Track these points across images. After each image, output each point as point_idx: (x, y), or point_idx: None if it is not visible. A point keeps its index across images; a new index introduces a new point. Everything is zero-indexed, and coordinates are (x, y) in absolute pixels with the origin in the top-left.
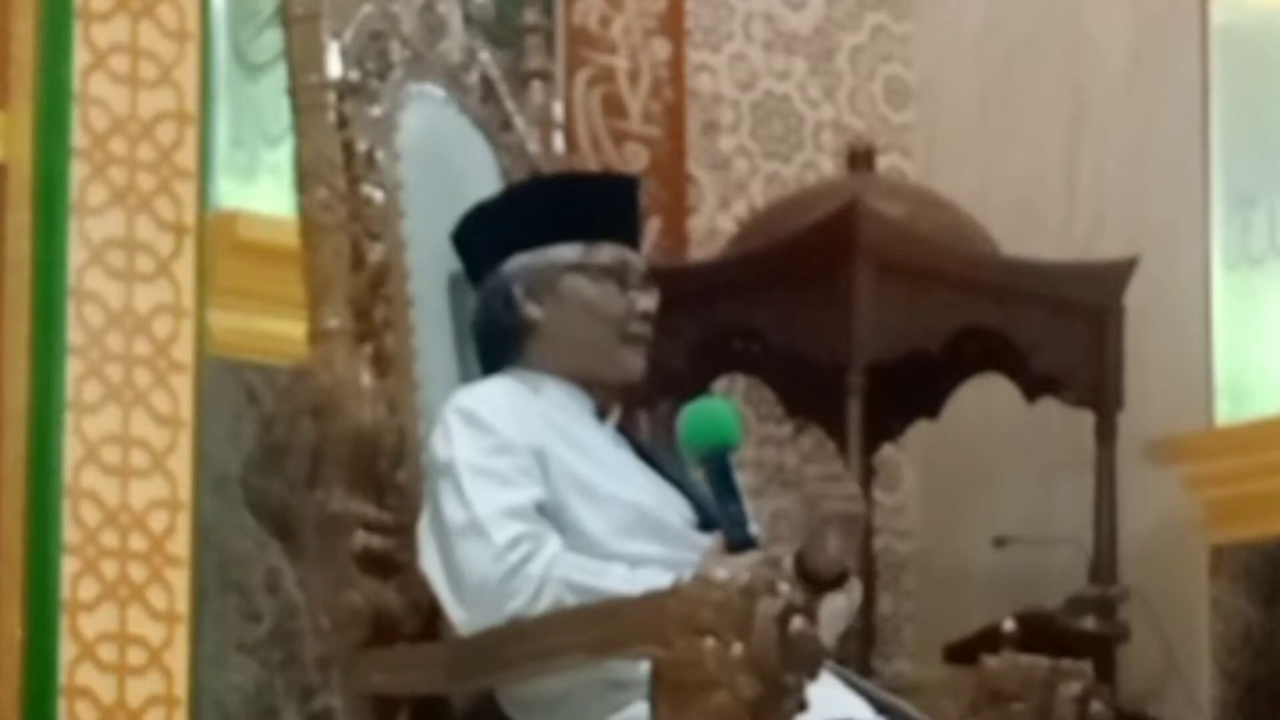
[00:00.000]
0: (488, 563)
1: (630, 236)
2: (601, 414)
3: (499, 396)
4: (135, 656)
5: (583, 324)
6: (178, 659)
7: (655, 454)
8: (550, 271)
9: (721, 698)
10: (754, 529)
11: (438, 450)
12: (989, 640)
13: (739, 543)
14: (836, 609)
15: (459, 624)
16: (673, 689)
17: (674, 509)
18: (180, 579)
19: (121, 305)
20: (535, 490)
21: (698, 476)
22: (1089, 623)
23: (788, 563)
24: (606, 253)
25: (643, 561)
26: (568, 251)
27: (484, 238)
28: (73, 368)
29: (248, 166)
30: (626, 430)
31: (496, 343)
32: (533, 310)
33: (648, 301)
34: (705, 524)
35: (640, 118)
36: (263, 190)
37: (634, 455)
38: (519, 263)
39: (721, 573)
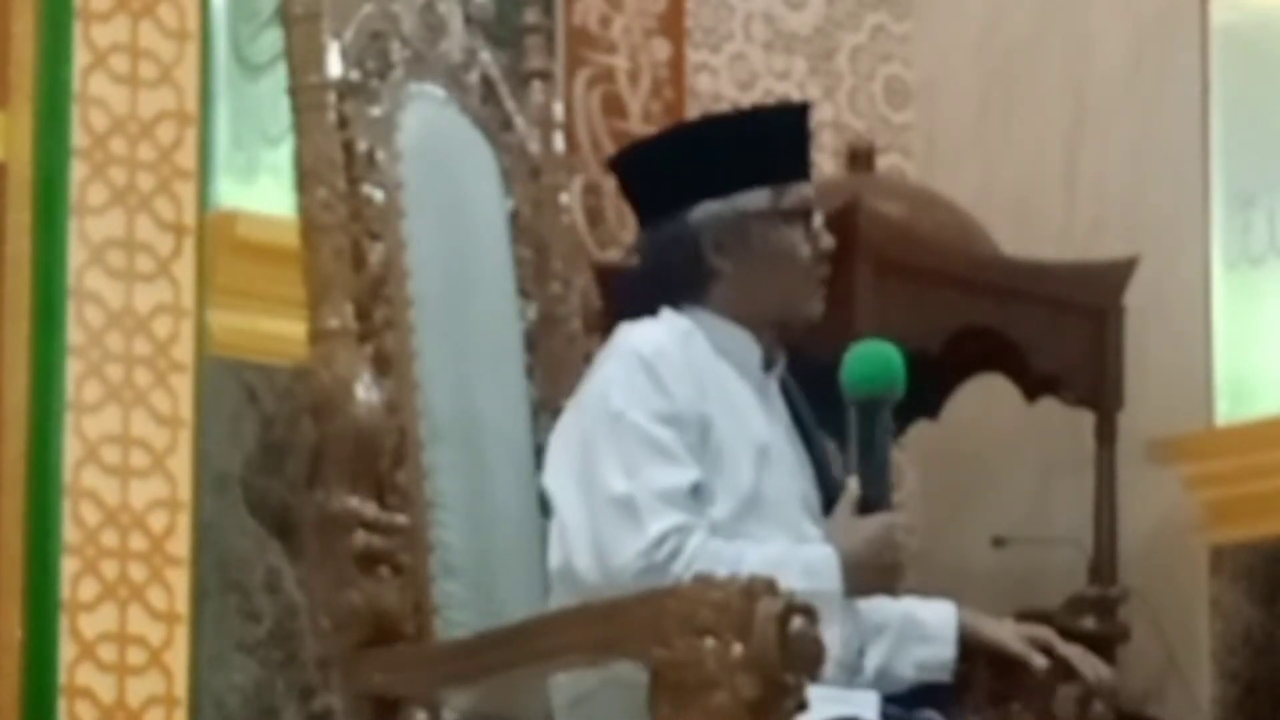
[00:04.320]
0: (633, 555)
1: (808, 169)
2: (768, 364)
3: (676, 350)
4: (135, 656)
5: (771, 273)
6: (178, 659)
7: (804, 418)
8: (740, 222)
9: (721, 698)
10: (893, 486)
11: (613, 393)
12: None
13: (873, 500)
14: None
15: (587, 585)
16: (673, 689)
17: (796, 494)
18: (180, 579)
19: (121, 305)
20: (694, 472)
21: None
22: (1089, 623)
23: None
24: (793, 195)
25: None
26: (756, 199)
27: (660, 178)
28: (73, 368)
29: (248, 166)
30: (786, 386)
31: (675, 285)
32: (721, 262)
33: (829, 240)
34: (828, 505)
35: (640, 118)
36: (263, 190)
37: (784, 417)
38: (707, 213)
39: (723, 572)
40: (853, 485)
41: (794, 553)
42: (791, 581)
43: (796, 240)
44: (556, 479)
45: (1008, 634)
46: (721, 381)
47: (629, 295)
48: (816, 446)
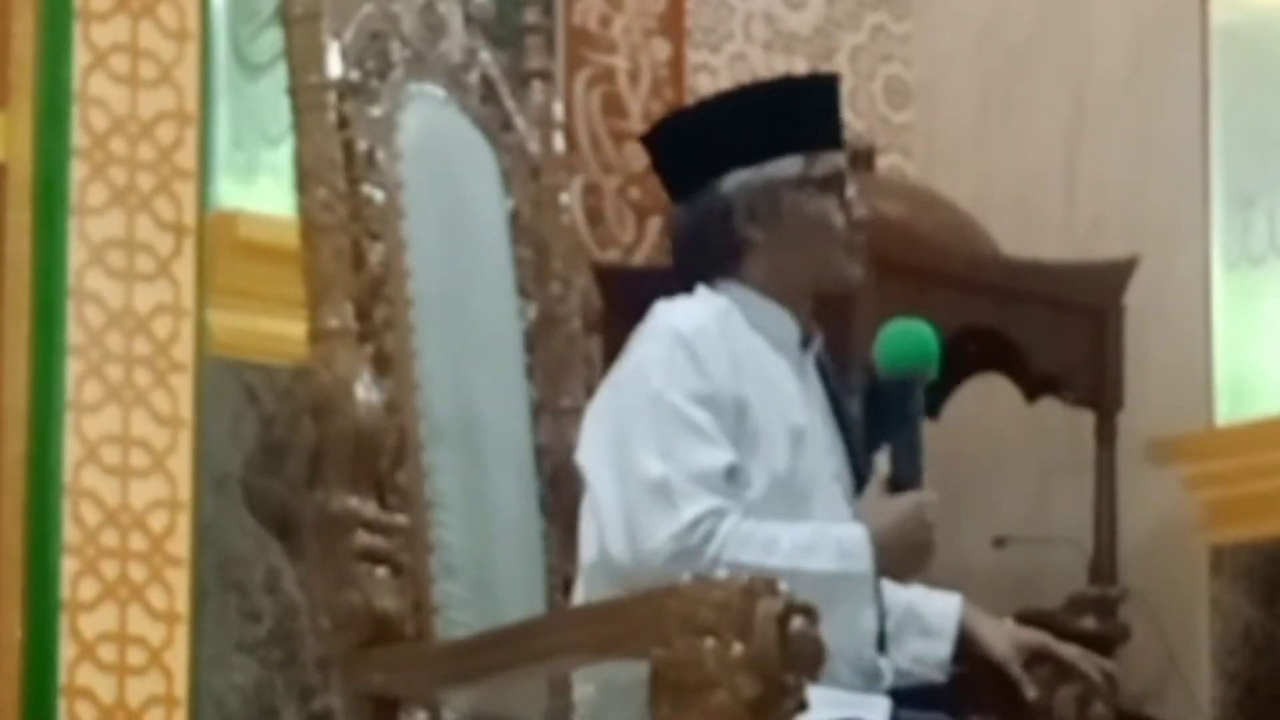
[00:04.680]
0: (665, 539)
1: (840, 139)
2: (805, 341)
3: (714, 328)
4: (135, 656)
5: (805, 241)
6: (178, 659)
7: (840, 396)
8: (772, 190)
9: (721, 698)
10: (924, 465)
11: (651, 372)
12: None
13: (904, 479)
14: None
15: (618, 565)
16: (673, 689)
17: (830, 475)
18: (180, 579)
19: (121, 305)
20: (729, 454)
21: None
22: (1089, 623)
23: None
24: (825, 163)
25: None
26: (788, 166)
27: (691, 149)
28: (73, 368)
29: (248, 166)
30: (822, 364)
31: (710, 259)
32: (754, 232)
33: (862, 209)
34: (860, 485)
35: (640, 118)
36: (263, 190)
37: (819, 397)
38: (738, 181)
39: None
40: (882, 464)
41: (826, 533)
42: (825, 562)
43: (830, 209)
44: (591, 457)
45: (1005, 650)
46: (759, 361)
47: (663, 272)
48: (850, 426)
